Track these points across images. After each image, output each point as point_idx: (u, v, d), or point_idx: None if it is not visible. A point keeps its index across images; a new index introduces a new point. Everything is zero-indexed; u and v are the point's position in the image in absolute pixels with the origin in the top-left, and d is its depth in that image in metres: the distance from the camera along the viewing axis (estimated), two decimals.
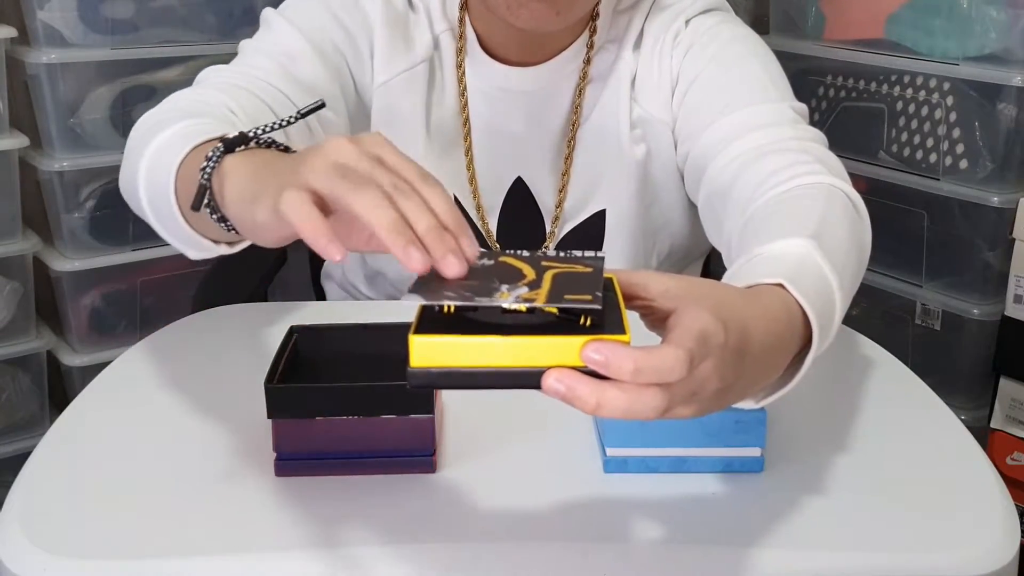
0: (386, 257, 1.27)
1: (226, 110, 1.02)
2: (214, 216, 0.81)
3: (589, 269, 0.68)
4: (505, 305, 0.62)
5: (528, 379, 0.61)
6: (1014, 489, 0.94)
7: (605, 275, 0.69)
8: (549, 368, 0.60)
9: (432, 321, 0.63)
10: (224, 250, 0.90)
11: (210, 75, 1.12)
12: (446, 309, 0.64)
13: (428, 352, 0.61)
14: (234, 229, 0.81)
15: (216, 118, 0.98)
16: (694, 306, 0.65)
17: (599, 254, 0.69)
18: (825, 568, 0.78)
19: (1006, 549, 0.80)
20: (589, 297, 0.62)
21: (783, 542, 0.79)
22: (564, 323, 0.63)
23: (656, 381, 0.60)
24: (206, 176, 0.80)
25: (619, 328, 0.62)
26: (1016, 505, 0.86)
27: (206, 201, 0.81)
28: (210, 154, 0.80)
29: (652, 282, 0.69)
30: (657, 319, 0.68)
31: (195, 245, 0.90)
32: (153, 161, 0.92)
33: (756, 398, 0.74)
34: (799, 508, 0.83)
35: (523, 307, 0.62)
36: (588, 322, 0.62)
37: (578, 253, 0.69)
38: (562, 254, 0.70)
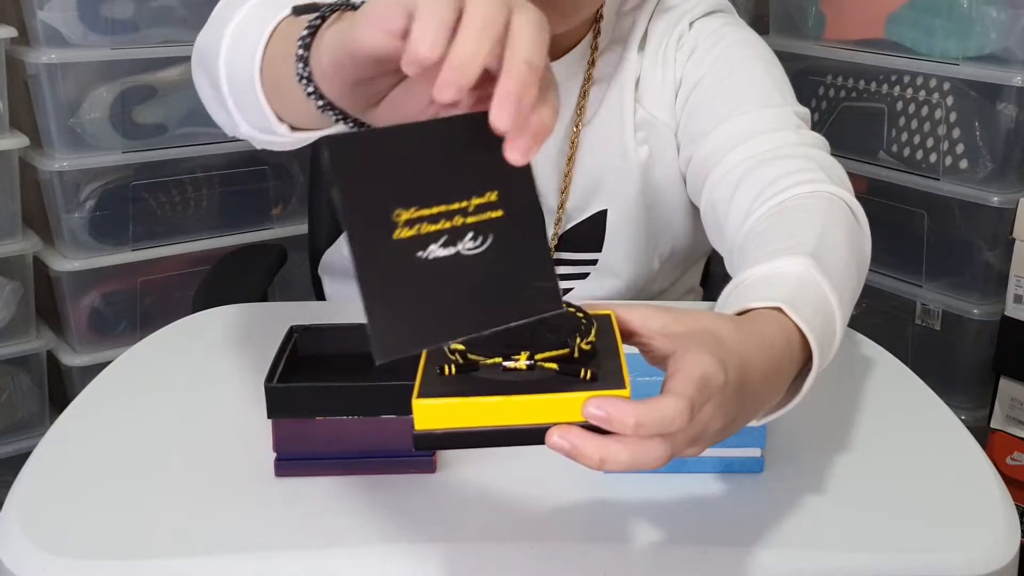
0: None
1: None
2: (309, 89, 0.72)
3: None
4: (506, 364, 0.63)
5: (531, 436, 0.62)
6: (1014, 489, 0.94)
7: (603, 312, 0.70)
8: (552, 425, 0.61)
9: (433, 383, 0.63)
10: (282, 131, 0.82)
11: None
12: (447, 371, 0.64)
13: (431, 415, 0.62)
14: (328, 106, 0.72)
15: None
16: (693, 348, 0.65)
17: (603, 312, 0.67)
18: (825, 568, 0.78)
19: (1006, 549, 0.80)
20: (564, 351, 0.63)
21: (783, 542, 0.79)
22: (564, 377, 0.63)
23: (658, 432, 0.61)
24: (302, 48, 0.71)
25: (619, 381, 0.63)
26: (1016, 505, 0.86)
27: (305, 75, 0.72)
28: (306, 31, 0.72)
29: (650, 319, 0.69)
30: (656, 357, 0.68)
31: (259, 120, 0.83)
32: (242, 25, 0.85)
33: (757, 419, 0.75)
34: (799, 508, 0.83)
35: (523, 364, 0.63)
36: (588, 375, 0.63)
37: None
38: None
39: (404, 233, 0.57)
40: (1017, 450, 1.90)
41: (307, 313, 1.21)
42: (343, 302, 1.40)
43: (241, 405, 0.96)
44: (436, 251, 0.58)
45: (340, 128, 0.74)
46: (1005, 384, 1.91)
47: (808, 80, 2.15)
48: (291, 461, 0.86)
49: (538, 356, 0.63)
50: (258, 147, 0.91)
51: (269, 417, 0.85)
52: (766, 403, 0.73)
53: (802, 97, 1.15)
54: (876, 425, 0.96)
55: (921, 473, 0.89)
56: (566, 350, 0.64)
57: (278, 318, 1.16)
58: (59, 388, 2.04)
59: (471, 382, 0.63)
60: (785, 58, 1.21)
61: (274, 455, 0.86)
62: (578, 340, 0.64)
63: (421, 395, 0.62)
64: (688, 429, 0.62)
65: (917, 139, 1.99)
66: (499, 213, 0.59)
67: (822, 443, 0.93)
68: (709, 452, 0.85)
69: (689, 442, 0.64)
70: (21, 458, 0.89)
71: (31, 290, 1.96)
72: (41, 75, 1.86)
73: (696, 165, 1.13)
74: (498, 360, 0.63)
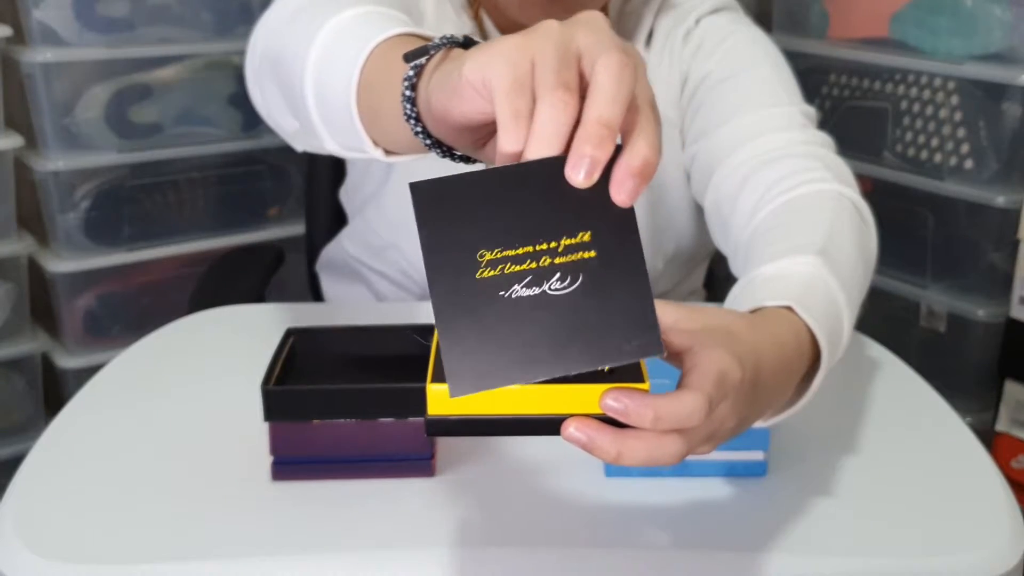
0: (400, 229, 1.26)
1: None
2: (417, 128, 0.72)
3: None
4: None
5: (547, 427, 0.61)
6: (1019, 492, 0.93)
7: None
8: (568, 416, 0.60)
9: None
10: (377, 155, 0.81)
11: None
12: None
13: (445, 400, 0.61)
14: (436, 143, 0.72)
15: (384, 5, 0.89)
16: (709, 345, 0.64)
17: None
18: (829, 573, 0.77)
19: (1011, 552, 0.80)
20: None
21: (787, 546, 0.79)
22: None
23: (676, 427, 0.60)
24: (408, 89, 0.71)
25: (637, 374, 0.62)
26: (1021, 508, 0.86)
27: (413, 115, 0.71)
28: (411, 70, 0.71)
29: (663, 315, 0.68)
30: (669, 353, 0.68)
31: (351, 140, 0.82)
32: (335, 40, 0.83)
33: (764, 419, 0.74)
34: (803, 512, 0.83)
35: None
36: (607, 368, 0.62)
37: None
38: None
39: (487, 273, 0.58)
40: (1022, 453, 1.90)
41: (304, 314, 1.21)
42: (341, 303, 1.40)
43: (238, 408, 0.96)
44: (520, 291, 0.58)
45: (447, 163, 0.73)
46: (1010, 387, 1.91)
47: (811, 79, 2.14)
48: (288, 465, 0.86)
49: None
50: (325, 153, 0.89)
51: (266, 420, 0.84)
52: (776, 402, 0.73)
53: (805, 96, 1.16)
54: (880, 428, 0.96)
55: (926, 476, 0.89)
56: None
57: (275, 319, 1.17)
58: (54, 391, 2.03)
59: None
60: (788, 57, 1.21)
61: (271, 458, 0.86)
62: None
63: (436, 380, 0.61)
64: (705, 425, 0.62)
65: (922, 139, 1.98)
66: (591, 254, 0.58)
67: (826, 446, 0.93)
68: (712, 455, 0.86)
69: (705, 439, 0.63)
70: (15, 462, 0.89)
71: (25, 291, 1.96)
72: (36, 74, 1.86)
73: (701, 163, 1.13)
74: None
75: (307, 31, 0.85)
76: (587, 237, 0.58)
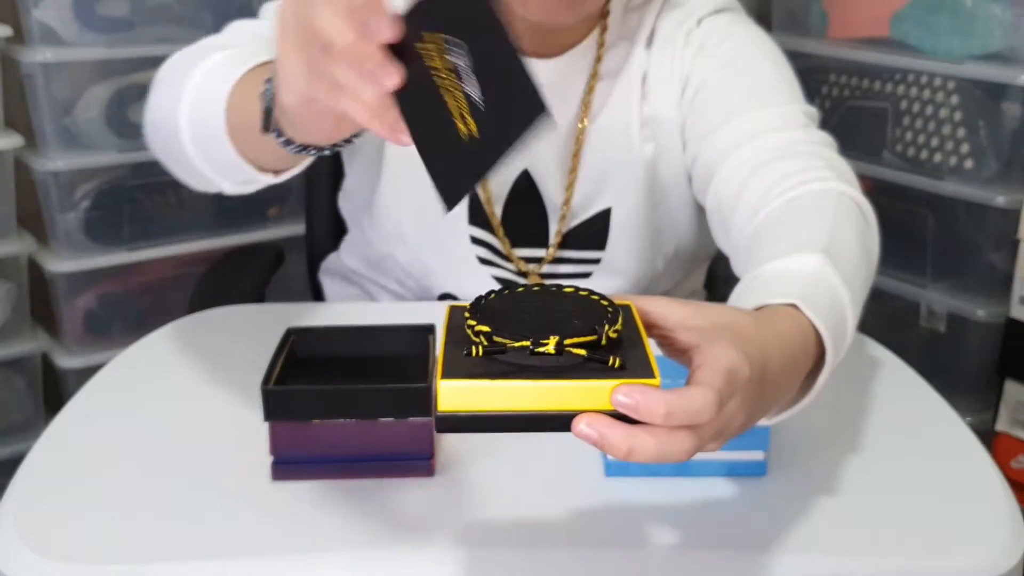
0: (393, 239, 1.26)
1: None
2: (312, 154, 0.81)
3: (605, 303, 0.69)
4: (535, 348, 0.62)
5: (558, 423, 0.61)
6: (1019, 492, 0.93)
7: (623, 301, 0.70)
8: (579, 412, 0.60)
9: (458, 364, 0.62)
10: (268, 180, 0.91)
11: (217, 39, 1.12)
12: (473, 352, 0.63)
13: (456, 397, 0.61)
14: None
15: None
16: (717, 342, 0.65)
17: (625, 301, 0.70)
18: (830, 573, 0.77)
19: (1011, 552, 0.80)
20: (592, 337, 0.63)
21: (787, 547, 0.79)
22: (592, 364, 0.62)
23: (687, 423, 0.60)
24: (268, 96, 0.80)
25: (647, 369, 0.62)
26: (1021, 508, 0.85)
27: (297, 148, 0.81)
28: (263, 118, 0.81)
29: (670, 312, 0.69)
30: (676, 350, 0.68)
31: (238, 174, 0.90)
32: (201, 86, 0.92)
33: (769, 417, 0.74)
34: (803, 512, 0.83)
35: (551, 349, 0.62)
36: (617, 363, 0.62)
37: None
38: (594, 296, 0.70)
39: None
40: (1022, 453, 1.90)
41: (305, 314, 1.20)
42: (342, 303, 1.39)
43: (238, 408, 0.96)
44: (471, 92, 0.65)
45: None
46: (1010, 387, 1.91)
47: (811, 79, 2.14)
48: (288, 464, 0.86)
49: (567, 341, 0.62)
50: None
51: (266, 420, 0.84)
52: (781, 399, 0.73)
53: (806, 96, 1.15)
54: (880, 428, 0.96)
55: (926, 476, 0.89)
56: (594, 336, 0.63)
57: (275, 319, 1.16)
58: (53, 391, 2.03)
59: (497, 365, 0.62)
60: (788, 57, 1.20)
61: (271, 458, 0.86)
62: (606, 327, 0.64)
63: (446, 376, 0.61)
64: (715, 422, 0.62)
65: (922, 139, 1.98)
66: (463, 54, 0.65)
67: (826, 446, 0.92)
68: (712, 455, 0.85)
69: (714, 435, 0.63)
70: (15, 462, 0.89)
71: (25, 291, 1.95)
72: (36, 74, 1.86)
73: (702, 163, 1.12)
74: (526, 344, 0.62)
75: (175, 93, 0.95)
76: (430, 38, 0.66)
